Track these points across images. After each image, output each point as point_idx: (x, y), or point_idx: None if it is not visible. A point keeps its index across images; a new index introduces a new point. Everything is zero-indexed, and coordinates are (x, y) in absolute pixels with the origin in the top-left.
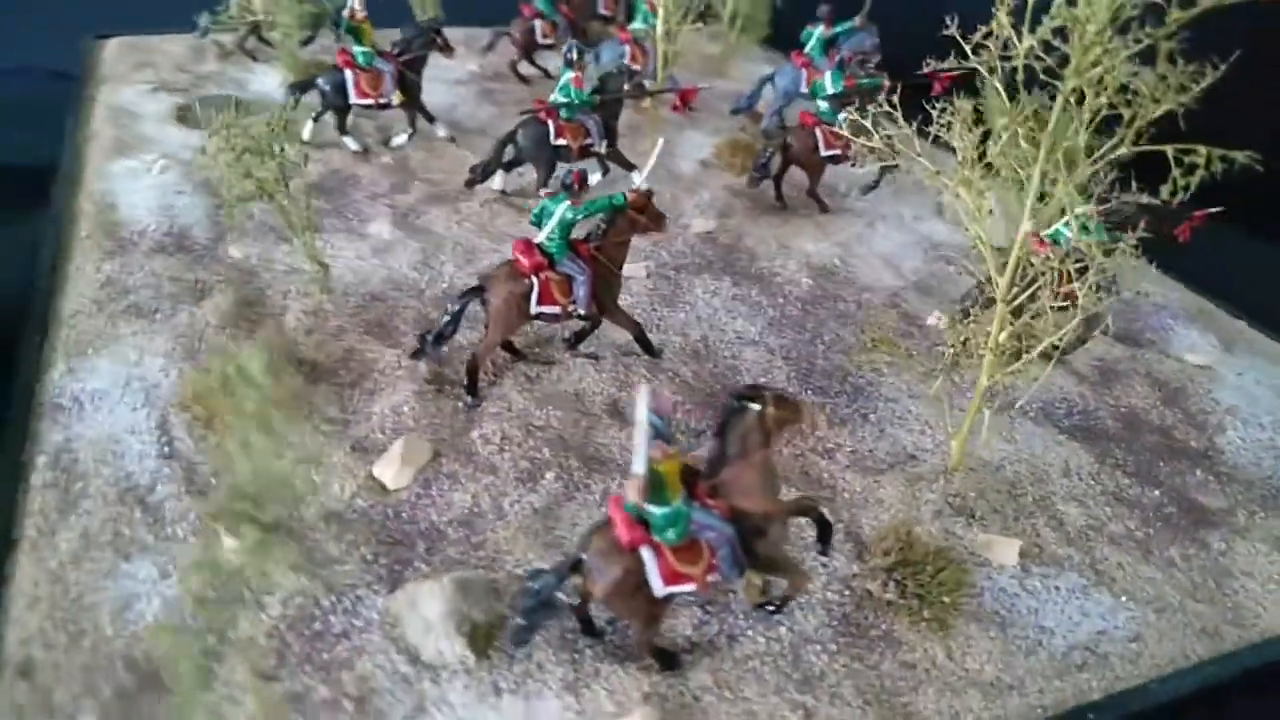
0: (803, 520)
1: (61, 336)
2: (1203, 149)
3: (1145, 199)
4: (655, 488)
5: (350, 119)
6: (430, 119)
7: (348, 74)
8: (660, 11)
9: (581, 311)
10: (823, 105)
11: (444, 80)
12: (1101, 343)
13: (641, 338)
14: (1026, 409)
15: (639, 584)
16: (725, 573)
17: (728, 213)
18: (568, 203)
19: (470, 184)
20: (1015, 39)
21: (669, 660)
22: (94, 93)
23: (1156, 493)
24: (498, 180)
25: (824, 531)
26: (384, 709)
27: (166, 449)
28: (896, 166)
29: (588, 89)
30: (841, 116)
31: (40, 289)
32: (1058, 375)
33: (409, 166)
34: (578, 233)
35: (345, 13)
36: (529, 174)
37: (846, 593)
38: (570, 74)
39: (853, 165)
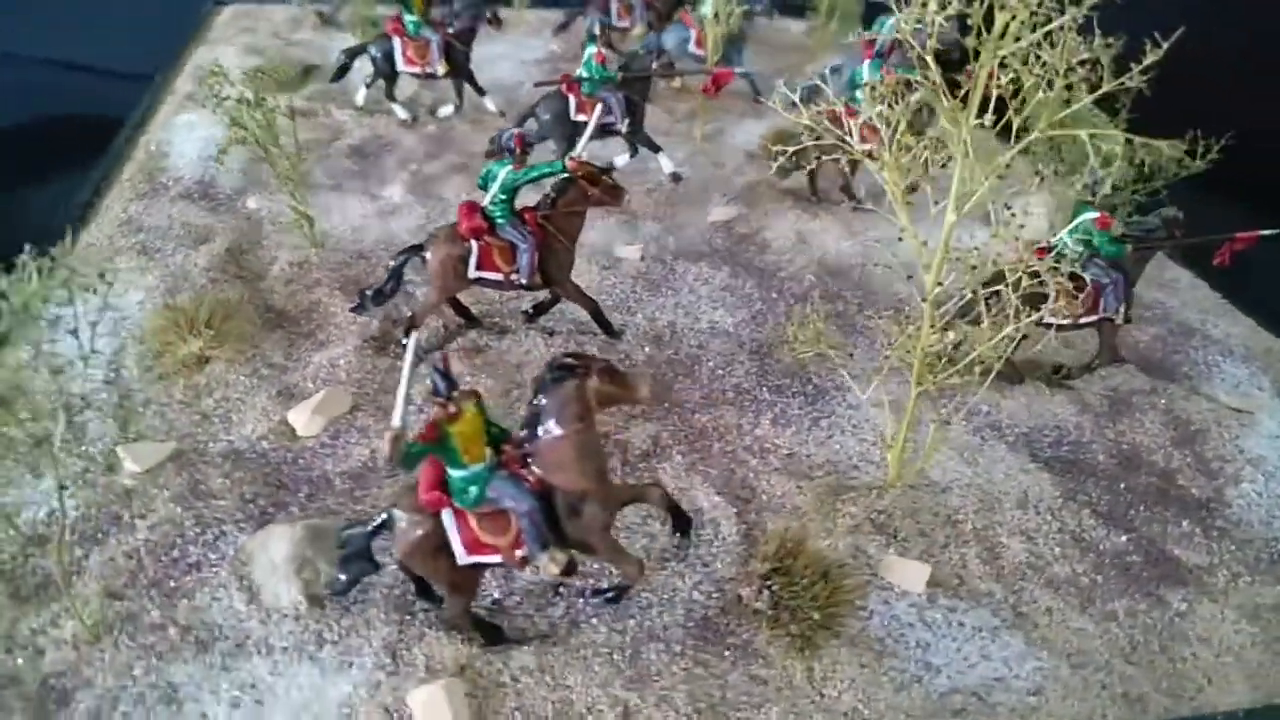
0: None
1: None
2: (1122, 135)
3: (1172, 213)
4: (446, 449)
5: (411, 89)
6: (480, 91)
7: (396, 42)
8: None
9: (523, 280)
10: (859, 96)
11: (520, 59)
12: (1121, 372)
13: (598, 315)
14: (1005, 432)
15: (439, 547)
16: (531, 550)
17: (755, 203)
18: (510, 166)
19: (489, 155)
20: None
21: (491, 634)
22: (190, 53)
23: (1123, 538)
24: None
25: (679, 522)
26: (206, 641)
27: (111, 375)
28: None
29: (614, 67)
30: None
31: (66, 221)
32: (1057, 401)
33: (450, 137)
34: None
35: None
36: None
37: (715, 595)
38: (593, 49)
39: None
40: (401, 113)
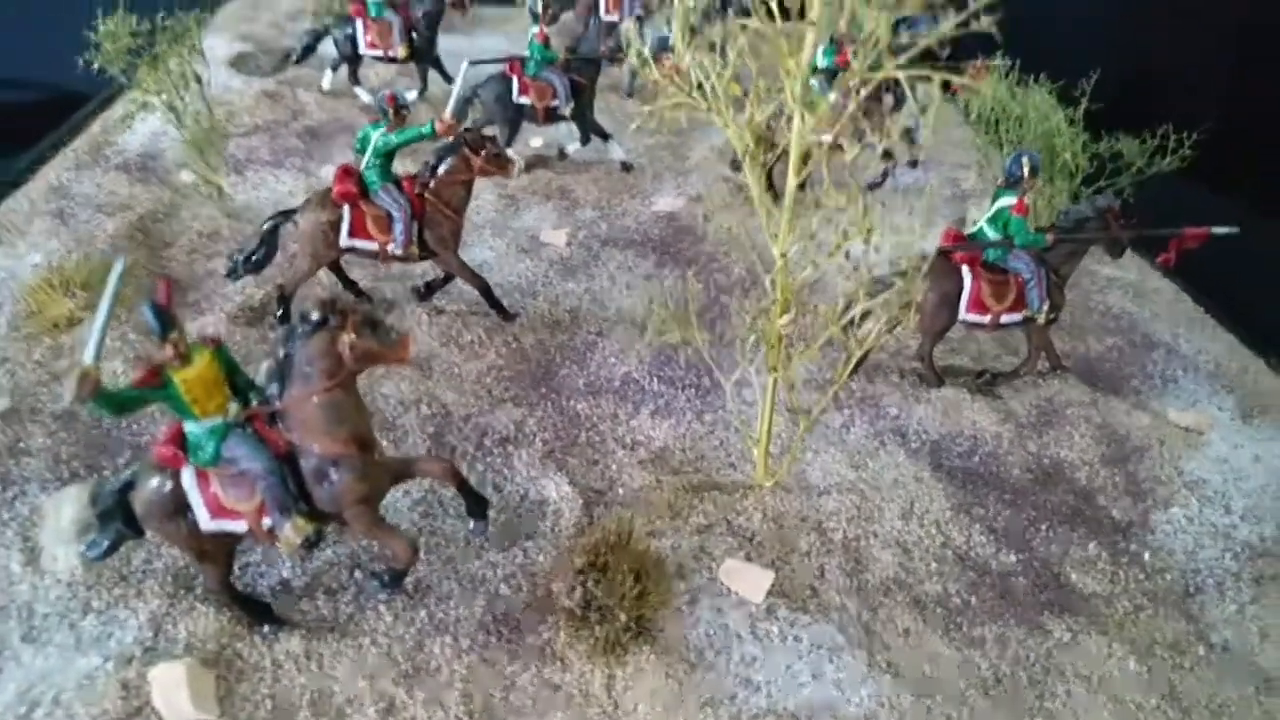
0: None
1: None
2: (937, 76)
3: (1106, 201)
4: (170, 396)
5: (388, 75)
6: (447, 78)
7: (358, 24)
8: None
9: (398, 251)
10: (814, 83)
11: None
12: (1059, 381)
13: (487, 294)
14: (910, 438)
15: (178, 510)
16: (273, 516)
17: (708, 198)
18: (383, 129)
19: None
20: None
21: (257, 613)
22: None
23: (1013, 558)
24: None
25: (473, 504)
26: None
27: None
28: (892, 159)
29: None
30: (832, 96)
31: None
32: (978, 408)
33: (411, 121)
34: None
35: None
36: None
37: (526, 589)
38: (535, 29)
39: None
40: (364, 96)
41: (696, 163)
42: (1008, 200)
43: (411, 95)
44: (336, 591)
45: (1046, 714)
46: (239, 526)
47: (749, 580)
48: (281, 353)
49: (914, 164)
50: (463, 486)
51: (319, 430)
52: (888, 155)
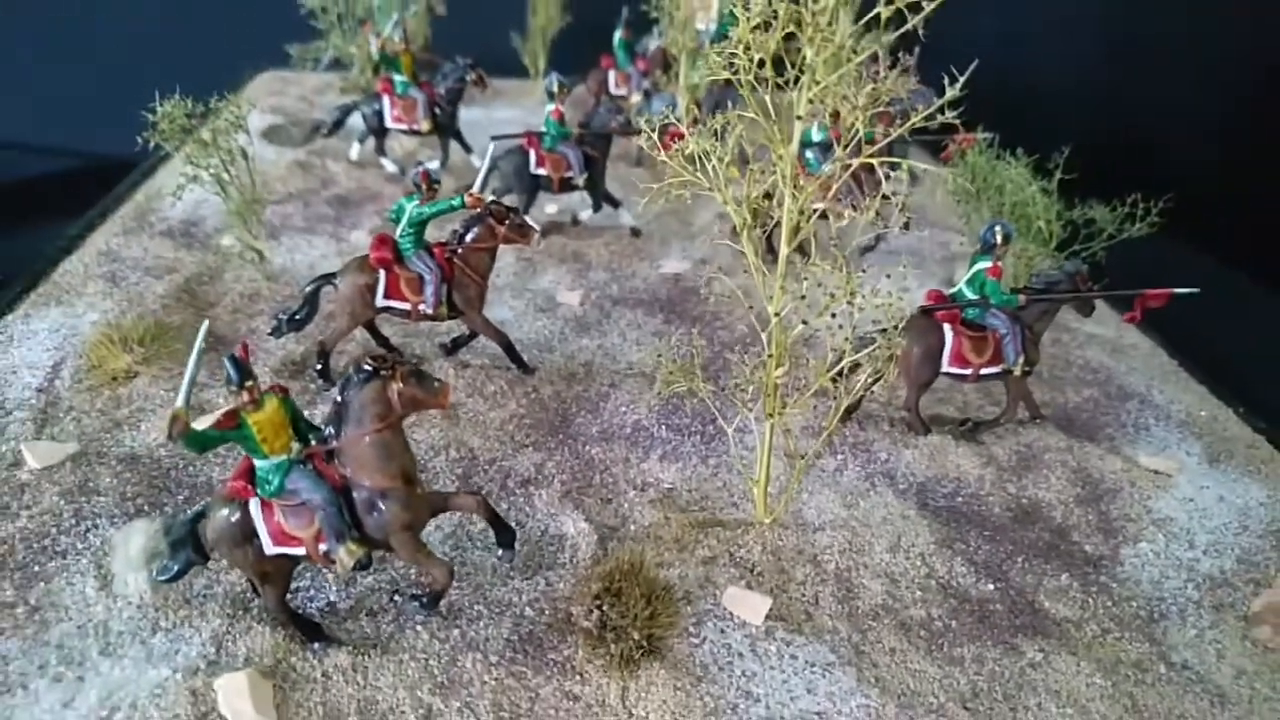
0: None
1: (41, 289)
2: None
3: (1074, 266)
4: (245, 437)
5: (411, 146)
6: (467, 149)
7: (385, 100)
8: (682, 59)
9: (429, 310)
10: (809, 155)
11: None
12: (1037, 429)
13: (509, 349)
14: (898, 480)
15: (246, 536)
16: (330, 542)
17: (712, 260)
18: (417, 201)
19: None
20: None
21: (309, 630)
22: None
23: (991, 587)
24: None
25: (501, 534)
26: (49, 621)
27: (45, 383)
28: (887, 228)
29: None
30: (825, 167)
31: (51, 251)
32: (962, 453)
33: (441, 193)
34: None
35: (384, 44)
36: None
37: (548, 612)
38: (551, 106)
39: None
40: (390, 166)
41: (701, 228)
42: (983, 264)
43: (434, 165)
44: (378, 613)
45: None
46: (298, 551)
47: (749, 605)
48: (339, 399)
49: (906, 227)
50: (493, 519)
51: (371, 467)
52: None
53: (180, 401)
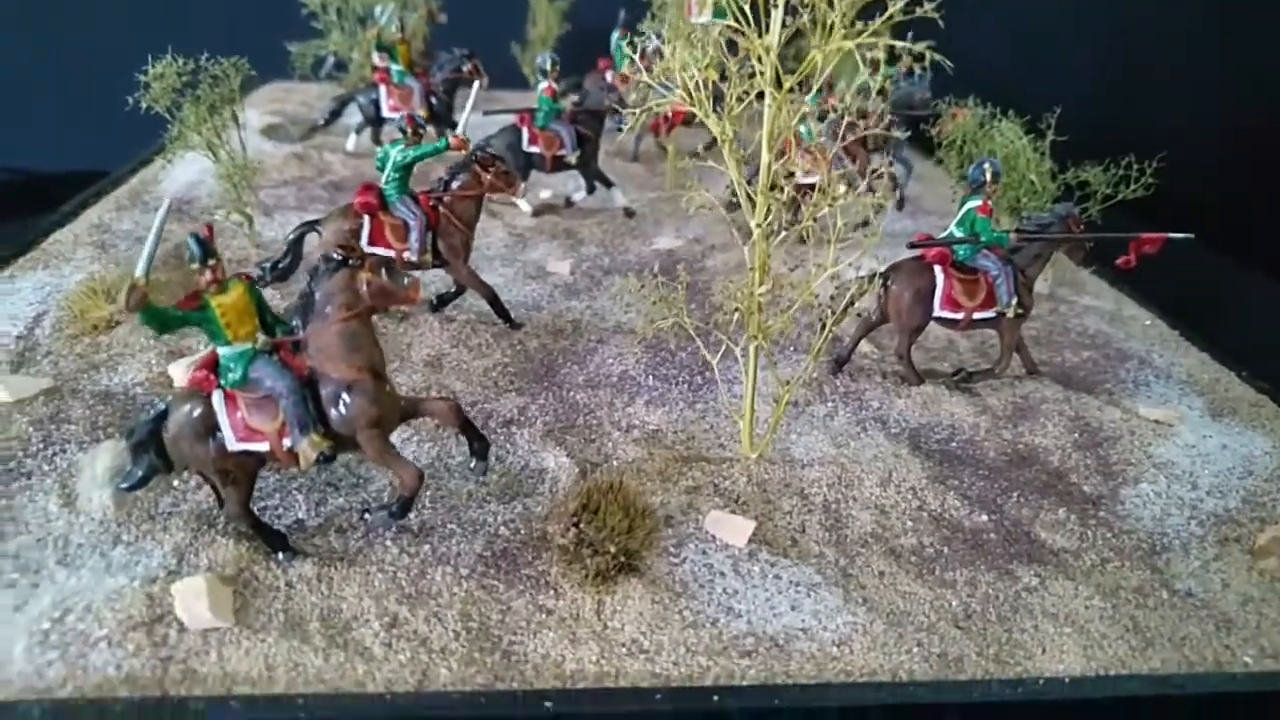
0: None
1: (29, 255)
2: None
3: (1067, 209)
4: (208, 320)
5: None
6: None
7: (381, 89)
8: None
9: (413, 258)
10: (801, 127)
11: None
12: (1034, 381)
13: (495, 302)
14: (890, 425)
15: (209, 431)
16: (293, 434)
17: (706, 240)
18: (401, 146)
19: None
20: None
21: (274, 540)
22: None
23: (985, 518)
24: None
25: (475, 443)
26: (7, 534)
27: (26, 332)
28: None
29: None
30: (818, 127)
31: (47, 224)
32: (957, 402)
33: (428, 175)
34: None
35: (379, 33)
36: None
37: (523, 531)
38: (544, 84)
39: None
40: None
41: (696, 211)
42: (974, 203)
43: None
44: (347, 530)
45: (1015, 644)
46: (262, 447)
47: (733, 528)
48: (307, 289)
49: (900, 207)
50: (466, 426)
51: (336, 357)
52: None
53: (139, 271)
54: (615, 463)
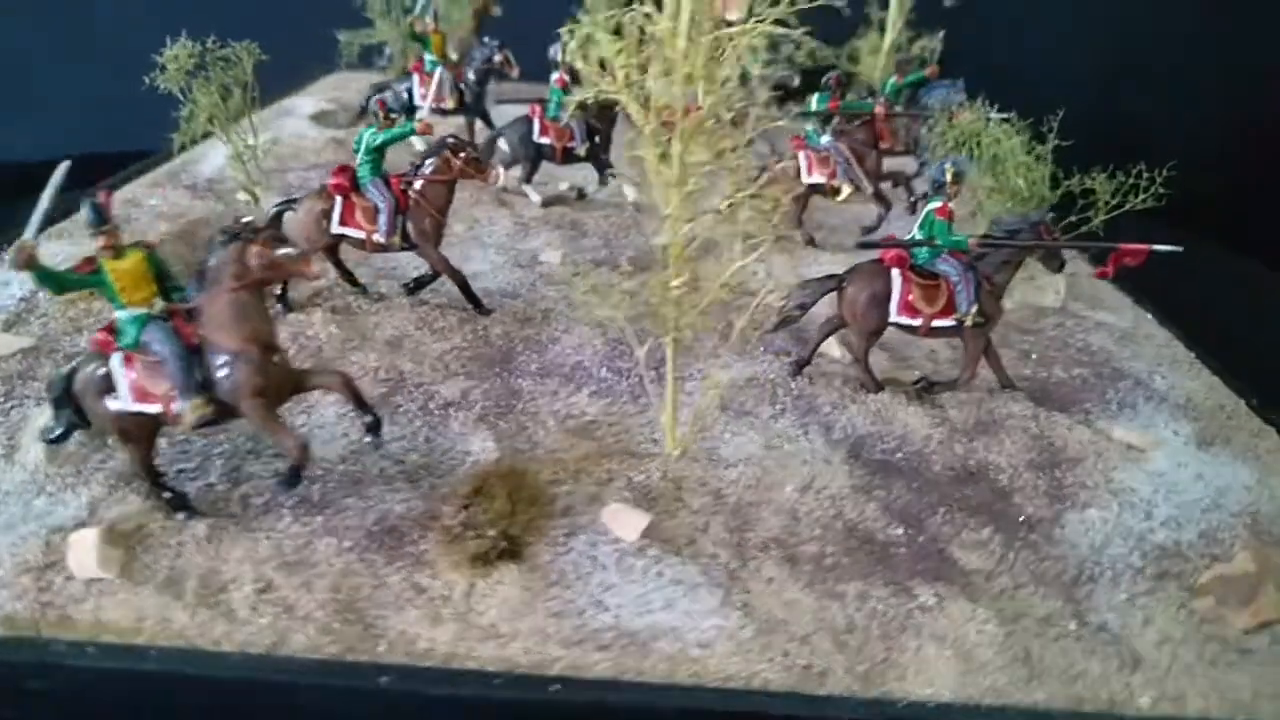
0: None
1: (60, 225)
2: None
3: (1039, 216)
4: (103, 284)
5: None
6: (492, 129)
7: (415, 79)
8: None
9: (381, 240)
10: (808, 128)
11: None
12: (1005, 396)
13: (465, 288)
14: (835, 430)
15: (107, 391)
16: (175, 395)
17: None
18: (374, 130)
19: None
20: None
21: (176, 500)
22: (278, 100)
23: (900, 532)
24: (500, 176)
25: (368, 419)
26: None
27: (30, 295)
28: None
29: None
30: (824, 140)
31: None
32: (913, 412)
33: None
34: None
35: (414, 23)
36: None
37: (419, 510)
38: (555, 75)
39: (833, 195)
40: (418, 144)
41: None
42: (933, 204)
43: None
44: (251, 496)
45: (889, 663)
46: (155, 409)
47: (627, 521)
48: (204, 261)
49: (913, 210)
50: (358, 401)
51: (225, 327)
52: (880, 199)
53: (29, 234)
54: (540, 451)
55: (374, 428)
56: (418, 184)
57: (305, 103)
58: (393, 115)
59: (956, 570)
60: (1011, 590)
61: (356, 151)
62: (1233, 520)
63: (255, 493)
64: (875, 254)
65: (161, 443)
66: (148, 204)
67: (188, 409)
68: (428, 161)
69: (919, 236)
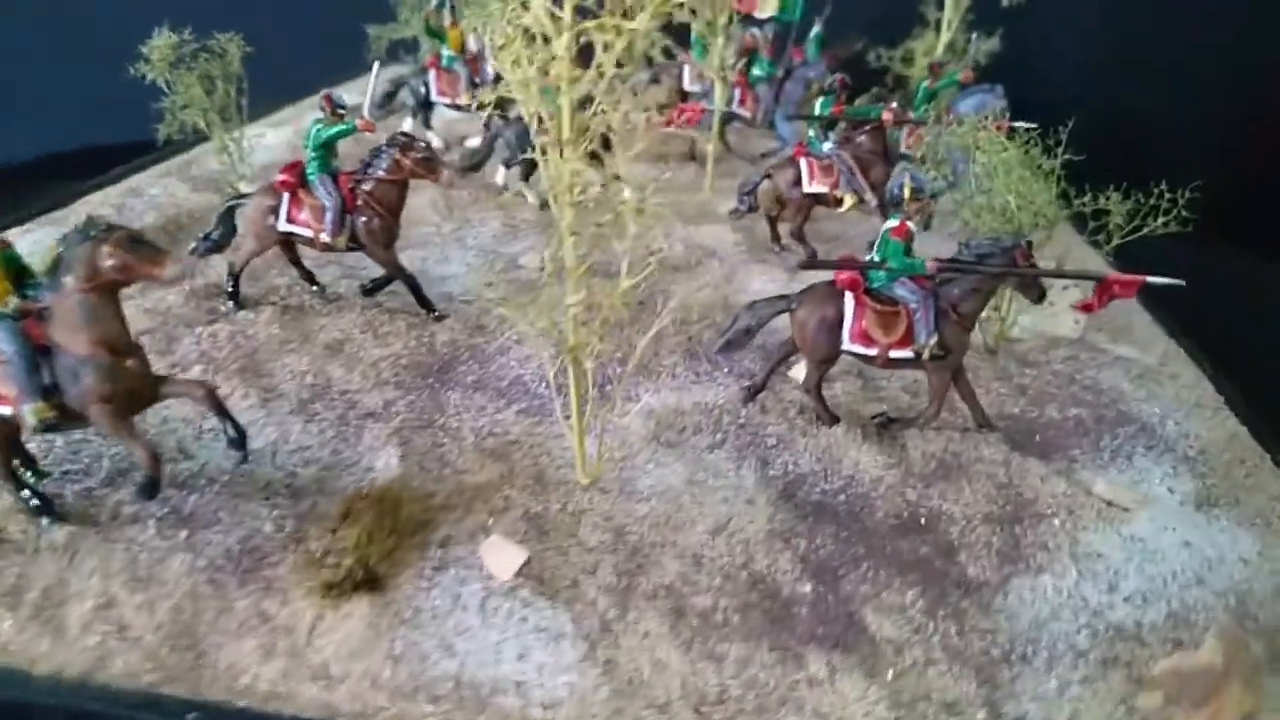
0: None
1: (58, 213)
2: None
3: (1011, 241)
4: None
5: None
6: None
7: (431, 74)
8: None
9: (327, 239)
10: (810, 133)
11: None
12: (980, 437)
13: (416, 291)
14: (774, 465)
15: None
16: (19, 400)
17: (709, 244)
18: (321, 125)
19: (468, 169)
20: None
21: (40, 505)
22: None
23: (808, 589)
24: (500, 175)
25: (231, 430)
26: None
27: None
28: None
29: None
30: (827, 147)
31: (87, 186)
32: (868, 450)
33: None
34: None
35: (429, 17)
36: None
37: (288, 530)
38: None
39: (836, 205)
40: (435, 140)
41: (708, 211)
42: (891, 223)
43: (474, 141)
44: (125, 504)
45: None
46: (6, 410)
47: (503, 557)
48: (56, 258)
49: (926, 226)
50: (221, 413)
51: (74, 330)
52: (886, 212)
53: None
54: (446, 470)
55: (237, 443)
56: (367, 185)
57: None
58: (341, 111)
59: (863, 638)
60: (921, 666)
61: (305, 147)
62: (1214, 600)
63: (130, 500)
64: (830, 274)
65: (57, 440)
66: (148, 193)
67: (29, 413)
68: (377, 160)
69: (875, 258)
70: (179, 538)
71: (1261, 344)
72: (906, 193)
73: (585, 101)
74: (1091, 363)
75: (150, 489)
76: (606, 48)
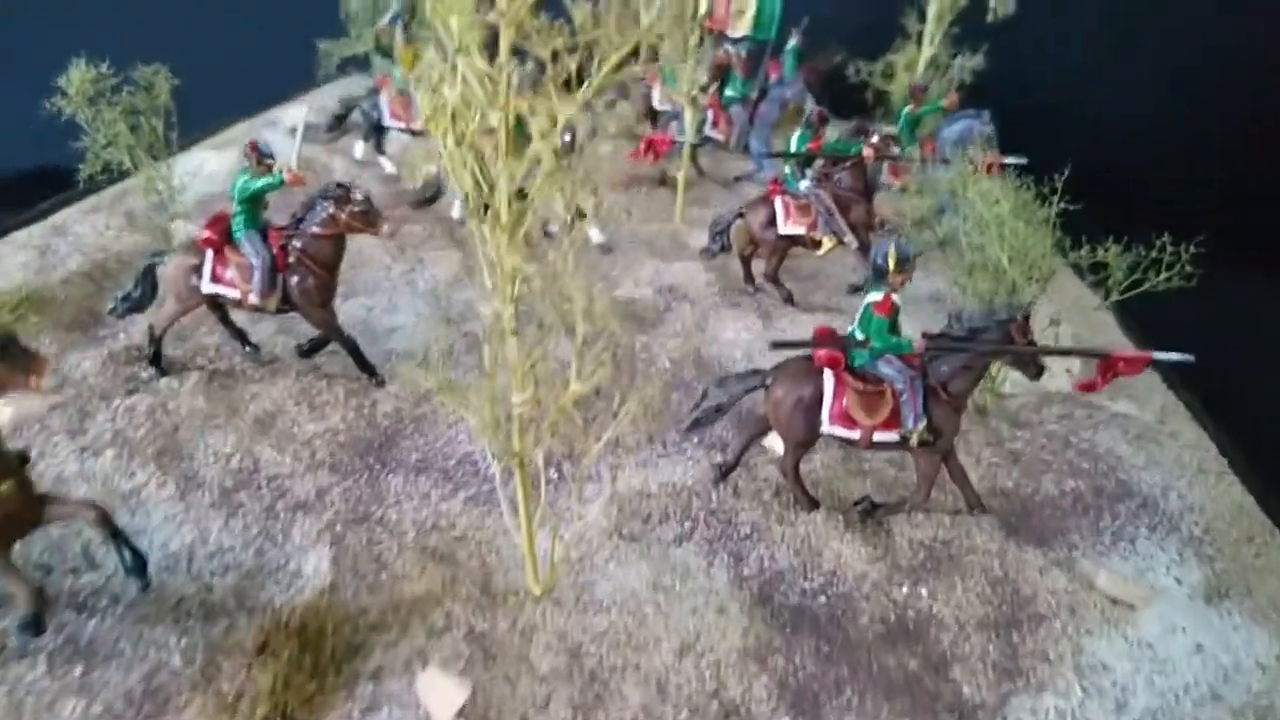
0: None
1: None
2: None
3: (1005, 315)
4: None
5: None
6: None
7: (383, 96)
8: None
9: (255, 300)
10: (787, 170)
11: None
12: (972, 524)
13: (355, 354)
14: (747, 563)
15: None
16: None
17: (681, 286)
18: (247, 176)
19: (423, 202)
20: None
21: None
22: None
23: (767, 709)
24: (455, 209)
25: (127, 557)
26: None
27: None
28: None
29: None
30: (804, 185)
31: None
32: (851, 541)
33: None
34: None
35: (380, 34)
36: None
37: (199, 663)
38: None
39: (814, 248)
40: (388, 166)
41: (674, 250)
42: (873, 296)
43: (432, 169)
44: (8, 634)
45: None
46: None
47: (441, 694)
48: None
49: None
50: (116, 538)
51: None
52: (867, 255)
53: None
54: (383, 576)
55: (136, 571)
56: (299, 241)
57: (288, 116)
58: (268, 161)
59: None
60: None
61: (231, 199)
62: (1234, 718)
63: (14, 634)
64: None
65: None
66: (73, 231)
67: None
68: (311, 214)
69: (858, 334)
70: (72, 676)
71: (1264, 395)
72: (891, 263)
73: (522, 194)
74: (1087, 421)
75: (35, 625)
76: (543, 135)
